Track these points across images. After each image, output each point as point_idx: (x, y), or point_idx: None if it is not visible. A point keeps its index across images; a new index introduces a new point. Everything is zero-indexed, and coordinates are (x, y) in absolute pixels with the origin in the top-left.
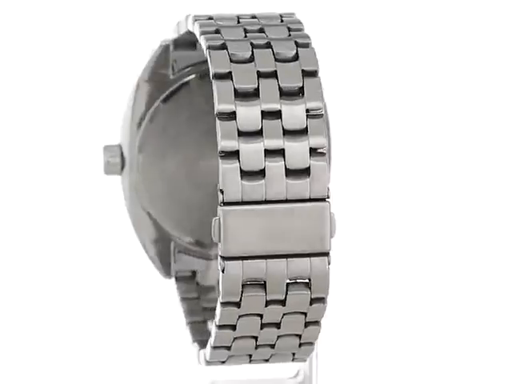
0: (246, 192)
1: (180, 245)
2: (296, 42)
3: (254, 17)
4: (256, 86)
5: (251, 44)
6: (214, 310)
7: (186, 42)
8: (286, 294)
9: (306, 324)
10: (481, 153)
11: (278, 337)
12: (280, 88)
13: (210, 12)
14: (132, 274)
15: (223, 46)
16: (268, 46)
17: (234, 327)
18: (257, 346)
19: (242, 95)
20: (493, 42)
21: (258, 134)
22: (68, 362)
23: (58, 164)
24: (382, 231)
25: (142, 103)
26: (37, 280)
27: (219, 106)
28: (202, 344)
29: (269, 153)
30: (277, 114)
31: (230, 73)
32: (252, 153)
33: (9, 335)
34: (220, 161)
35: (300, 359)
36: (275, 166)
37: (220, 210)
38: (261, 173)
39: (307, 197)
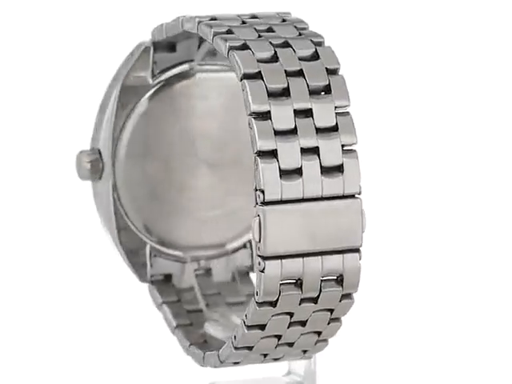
0: (285, 191)
1: (156, 248)
2: (312, 41)
3: (254, 16)
4: (286, 85)
5: (270, 43)
6: (199, 311)
7: (165, 43)
8: (320, 291)
9: (330, 321)
10: (487, 152)
11: (301, 335)
12: (308, 86)
13: (190, 13)
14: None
15: (245, 46)
16: (287, 44)
17: (263, 327)
18: (277, 345)
19: (274, 95)
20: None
21: (293, 132)
22: (69, 362)
23: (27, 170)
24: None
25: (121, 107)
26: (24, 285)
27: (254, 106)
28: (201, 347)
29: (304, 151)
30: (308, 113)
31: (260, 72)
32: (289, 152)
33: None
34: (259, 160)
35: (308, 357)
36: (311, 164)
37: (260, 209)
38: (298, 171)
39: (341, 194)
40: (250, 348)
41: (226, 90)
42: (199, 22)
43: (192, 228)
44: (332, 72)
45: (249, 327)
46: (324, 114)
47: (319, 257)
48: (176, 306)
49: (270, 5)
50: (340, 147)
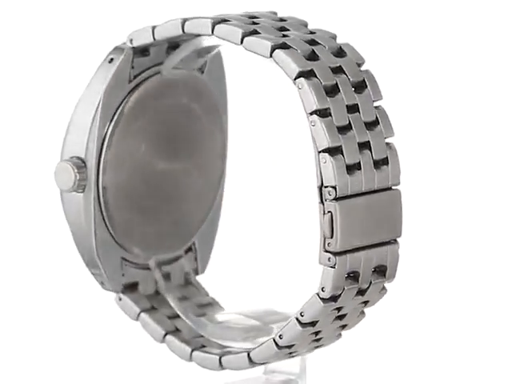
0: (351, 186)
1: (125, 257)
2: (331, 37)
3: (253, 16)
4: (335, 81)
5: (303, 41)
6: (178, 316)
7: (141, 48)
8: (370, 283)
9: (359, 314)
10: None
11: (335, 329)
12: (351, 82)
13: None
14: None
15: (286, 45)
16: (315, 42)
17: (314, 324)
18: (311, 341)
19: (328, 92)
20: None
21: (349, 128)
22: (70, 362)
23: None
24: None
25: (104, 114)
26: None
27: (318, 104)
28: (206, 351)
29: (360, 146)
30: (356, 108)
31: (313, 70)
32: (351, 147)
33: None
34: (328, 157)
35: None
36: (366, 159)
37: (332, 205)
38: (357, 166)
39: (389, 185)
40: (290, 347)
41: (190, 92)
42: (215, 23)
43: (154, 234)
44: (359, 67)
45: (304, 324)
46: (367, 109)
47: (373, 249)
48: (154, 313)
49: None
50: (384, 141)
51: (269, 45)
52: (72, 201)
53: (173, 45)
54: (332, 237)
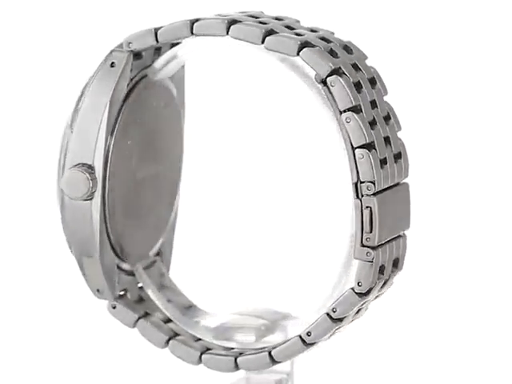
0: (384, 180)
1: (119, 263)
2: (332, 34)
3: (253, 15)
4: (358, 78)
5: (320, 39)
6: (171, 321)
7: (138, 50)
8: (389, 276)
9: (367, 307)
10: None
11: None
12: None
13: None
14: None
15: (309, 43)
16: (328, 40)
17: (343, 319)
18: (331, 334)
19: (356, 88)
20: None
21: (375, 123)
22: (73, 363)
23: None
24: None
25: (109, 119)
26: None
27: (354, 100)
28: (216, 353)
29: (384, 140)
30: (375, 104)
31: (341, 67)
32: (381, 142)
33: None
34: (366, 152)
35: None
36: (389, 153)
37: (371, 200)
38: (385, 161)
39: (403, 178)
40: (315, 343)
41: (165, 95)
42: (230, 24)
43: (141, 239)
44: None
45: (335, 320)
46: (382, 104)
47: (394, 241)
48: (150, 318)
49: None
50: (397, 135)
51: (296, 43)
52: (78, 209)
53: (160, 47)
54: (371, 231)
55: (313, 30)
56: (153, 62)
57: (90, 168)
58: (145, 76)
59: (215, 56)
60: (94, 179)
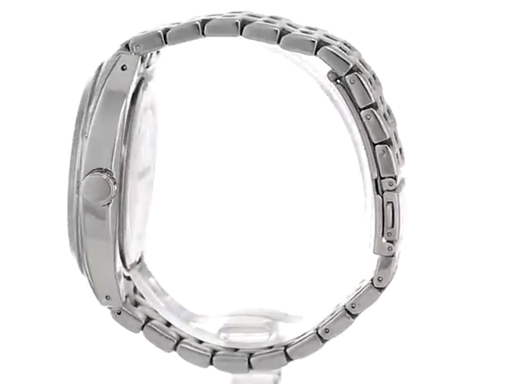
0: (400, 175)
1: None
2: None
3: (254, 15)
4: (369, 75)
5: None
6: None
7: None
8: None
9: None
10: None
11: None
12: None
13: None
14: None
15: (324, 42)
16: (331, 37)
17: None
18: None
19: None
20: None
21: (386, 119)
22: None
23: None
24: None
25: (124, 122)
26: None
27: (373, 97)
28: (227, 355)
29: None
30: (381, 100)
31: (355, 65)
32: (394, 138)
33: None
34: (387, 148)
35: None
36: (398, 148)
37: (393, 195)
38: (397, 156)
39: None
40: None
41: (152, 97)
42: (244, 24)
43: (133, 245)
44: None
45: (354, 316)
46: (385, 100)
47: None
48: (155, 323)
49: None
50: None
51: (314, 42)
52: (96, 214)
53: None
54: (393, 226)
55: (312, 29)
56: (151, 63)
57: (110, 173)
58: (142, 78)
59: (225, 56)
60: (114, 184)
